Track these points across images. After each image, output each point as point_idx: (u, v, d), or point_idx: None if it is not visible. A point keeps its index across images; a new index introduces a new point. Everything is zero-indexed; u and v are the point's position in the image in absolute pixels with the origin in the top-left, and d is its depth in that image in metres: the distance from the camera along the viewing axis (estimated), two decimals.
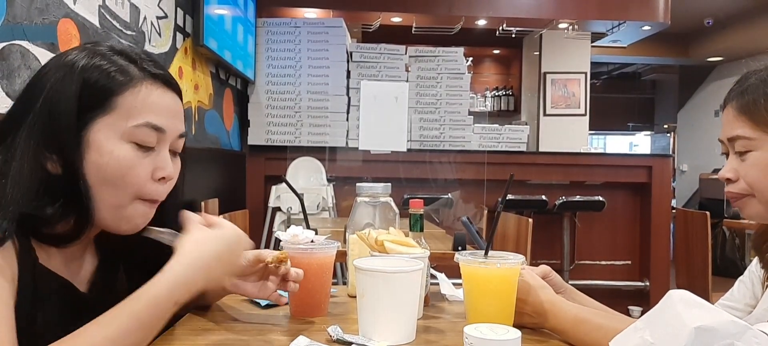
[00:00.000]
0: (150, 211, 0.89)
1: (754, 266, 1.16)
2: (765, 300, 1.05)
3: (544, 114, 6.12)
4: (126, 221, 0.87)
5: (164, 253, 0.95)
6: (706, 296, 2.88)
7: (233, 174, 4.01)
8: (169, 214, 0.93)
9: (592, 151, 6.93)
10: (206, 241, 0.87)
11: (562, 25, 5.41)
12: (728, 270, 5.74)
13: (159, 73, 0.88)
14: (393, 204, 1.31)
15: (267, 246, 3.66)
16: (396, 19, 5.18)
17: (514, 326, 0.95)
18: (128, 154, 0.84)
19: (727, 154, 1.05)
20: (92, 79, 0.82)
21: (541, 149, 5.97)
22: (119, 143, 0.83)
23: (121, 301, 0.82)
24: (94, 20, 1.94)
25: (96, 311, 0.88)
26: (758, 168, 0.98)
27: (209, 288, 0.90)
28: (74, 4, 1.80)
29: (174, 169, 0.91)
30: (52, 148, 0.81)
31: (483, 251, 1.09)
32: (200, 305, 1.16)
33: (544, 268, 1.17)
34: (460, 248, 2.08)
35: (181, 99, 0.94)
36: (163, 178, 0.88)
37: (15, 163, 0.79)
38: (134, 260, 0.97)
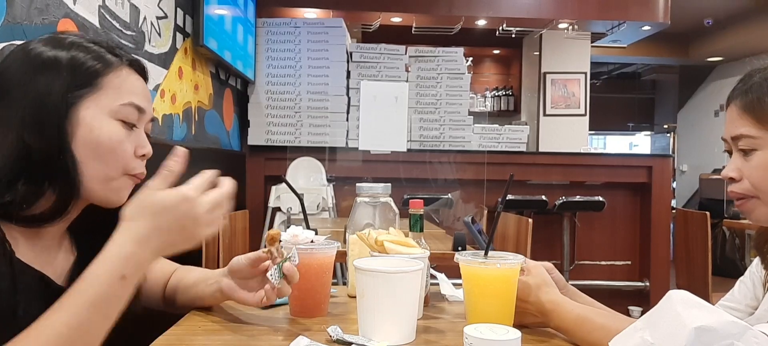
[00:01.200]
0: (134, 184, 0.94)
1: (755, 267, 1.15)
2: (766, 301, 1.05)
3: (544, 114, 6.12)
4: (115, 193, 0.91)
5: None
6: (706, 296, 2.88)
7: (233, 174, 3.98)
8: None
9: (592, 151, 6.93)
10: (149, 211, 0.83)
11: (562, 25, 5.41)
12: (728, 270, 5.75)
13: (134, 60, 0.95)
14: (393, 204, 1.31)
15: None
16: (396, 19, 5.18)
17: (516, 325, 0.95)
18: (117, 130, 0.89)
19: (729, 153, 1.03)
20: (76, 64, 0.87)
21: (541, 149, 5.97)
22: (108, 120, 0.88)
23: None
24: (94, 20, 1.94)
25: None
26: (762, 168, 0.97)
27: (166, 256, 0.88)
28: (74, 4, 1.80)
29: None
30: (38, 129, 0.84)
31: (483, 251, 1.09)
32: (201, 306, 1.16)
33: (546, 264, 1.17)
34: (460, 248, 2.08)
35: None
36: (143, 155, 0.94)
37: None
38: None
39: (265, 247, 1.06)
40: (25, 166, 0.83)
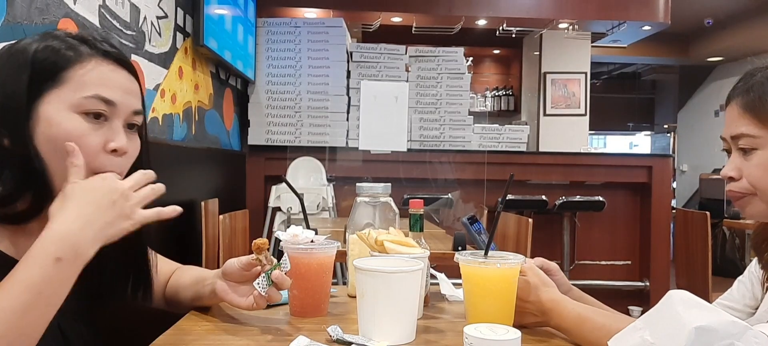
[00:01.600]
0: None
1: (754, 267, 1.15)
2: (767, 302, 1.05)
3: (544, 114, 6.12)
4: None
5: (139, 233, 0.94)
6: (706, 296, 2.87)
7: (233, 174, 4.01)
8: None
9: (592, 151, 6.93)
10: (74, 196, 0.81)
11: (562, 25, 5.41)
12: (728, 270, 5.74)
13: (111, 52, 0.90)
14: (393, 204, 1.31)
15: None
16: (396, 19, 5.18)
17: (516, 325, 0.95)
18: (77, 125, 0.85)
19: (728, 151, 1.03)
20: (43, 56, 0.85)
21: (541, 149, 5.97)
22: (68, 114, 0.84)
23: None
24: (94, 20, 1.94)
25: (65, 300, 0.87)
26: (762, 168, 0.96)
27: (100, 243, 0.82)
28: (74, 4, 1.80)
29: (131, 145, 0.91)
30: (4, 126, 0.83)
31: (483, 251, 1.09)
32: (200, 306, 1.16)
33: (551, 264, 1.16)
34: (460, 248, 2.08)
35: (138, 80, 0.94)
36: (116, 150, 0.88)
37: None
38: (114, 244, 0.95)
39: (253, 255, 1.05)
40: (2, 165, 0.83)
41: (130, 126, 0.91)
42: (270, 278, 1.02)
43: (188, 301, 1.14)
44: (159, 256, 1.20)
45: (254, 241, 1.04)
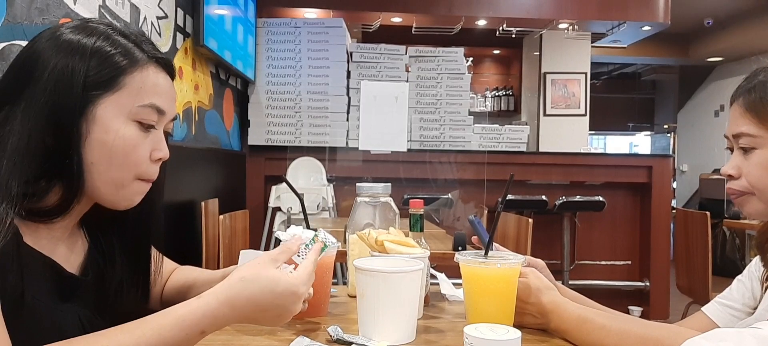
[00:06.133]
0: (146, 188, 0.90)
1: (754, 266, 1.15)
2: (766, 300, 1.05)
3: (544, 114, 6.11)
4: (125, 198, 0.88)
5: (148, 233, 0.98)
6: (706, 296, 2.88)
7: (233, 174, 4.01)
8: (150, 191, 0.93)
9: (592, 151, 6.92)
10: (257, 291, 0.83)
11: (562, 26, 5.41)
12: (728, 270, 5.74)
13: (161, 58, 0.90)
14: (393, 204, 1.31)
15: (267, 247, 3.66)
16: (396, 19, 5.18)
17: (516, 325, 0.95)
18: (133, 134, 0.85)
19: (731, 150, 1.04)
20: (100, 58, 0.83)
21: (541, 149, 5.97)
22: (125, 122, 0.84)
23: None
24: None
25: (85, 293, 0.89)
26: (761, 167, 0.97)
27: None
28: (74, 4, 1.80)
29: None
30: (54, 124, 0.80)
31: (483, 251, 1.09)
32: None
33: (537, 261, 1.17)
34: (460, 248, 2.08)
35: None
36: (160, 158, 0.89)
37: (13, 139, 0.79)
38: (125, 241, 0.97)
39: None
40: (40, 160, 0.80)
41: (165, 133, 0.93)
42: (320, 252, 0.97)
43: None
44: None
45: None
